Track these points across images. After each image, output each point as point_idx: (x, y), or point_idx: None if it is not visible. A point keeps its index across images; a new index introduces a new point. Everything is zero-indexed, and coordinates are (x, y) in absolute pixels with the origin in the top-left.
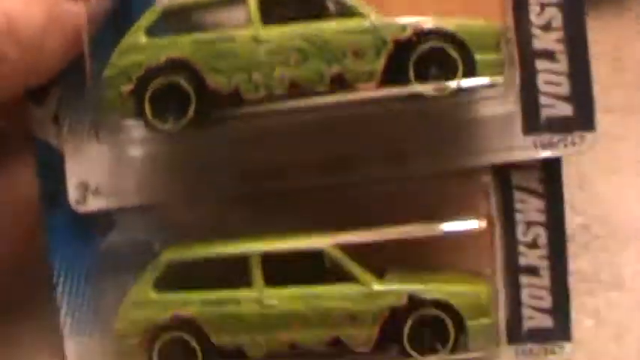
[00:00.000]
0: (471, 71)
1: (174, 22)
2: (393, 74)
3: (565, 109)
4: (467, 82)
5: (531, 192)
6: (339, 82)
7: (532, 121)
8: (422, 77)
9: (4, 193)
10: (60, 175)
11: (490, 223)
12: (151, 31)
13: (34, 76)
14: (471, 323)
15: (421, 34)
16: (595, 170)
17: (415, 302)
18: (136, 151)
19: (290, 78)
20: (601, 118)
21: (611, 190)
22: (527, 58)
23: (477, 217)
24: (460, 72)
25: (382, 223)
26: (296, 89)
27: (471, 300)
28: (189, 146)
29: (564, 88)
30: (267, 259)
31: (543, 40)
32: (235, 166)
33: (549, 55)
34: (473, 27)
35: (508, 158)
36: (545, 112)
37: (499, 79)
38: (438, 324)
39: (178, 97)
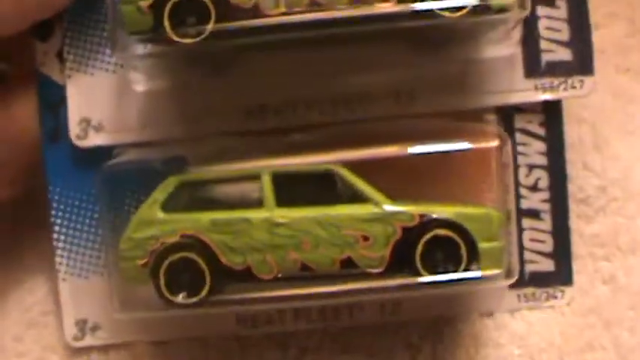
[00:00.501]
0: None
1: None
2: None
3: (565, 54)
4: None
5: (533, 135)
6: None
7: (533, 65)
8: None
9: (6, 127)
10: (62, 110)
11: (502, 141)
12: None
13: (44, 9)
14: (482, 245)
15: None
16: (611, 131)
17: (427, 223)
18: (139, 87)
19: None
20: (616, 79)
21: (628, 151)
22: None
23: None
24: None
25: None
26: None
27: (482, 222)
28: (194, 83)
29: (564, 34)
30: (278, 178)
31: None
32: (239, 102)
33: (550, 1)
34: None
35: (510, 100)
36: (545, 57)
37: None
38: (450, 245)
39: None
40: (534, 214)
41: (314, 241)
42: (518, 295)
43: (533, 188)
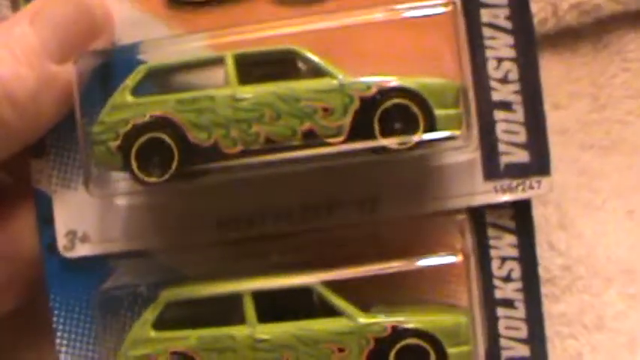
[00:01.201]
0: (431, 126)
1: (158, 81)
2: (360, 129)
3: (522, 156)
4: (427, 136)
5: (504, 229)
6: (311, 137)
7: (492, 167)
8: (386, 131)
9: (10, 244)
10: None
11: (466, 258)
12: (136, 91)
13: (30, 136)
14: (451, 351)
15: (385, 92)
16: (576, 208)
17: (399, 332)
18: (121, 201)
19: (265, 134)
20: (581, 155)
21: (593, 228)
22: (487, 109)
23: (454, 253)
24: (421, 127)
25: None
26: (271, 144)
27: (451, 329)
28: (171, 197)
29: (521, 136)
30: (259, 297)
31: (501, 92)
32: (212, 214)
33: (507, 106)
34: (433, 85)
35: (471, 203)
36: (504, 159)
37: (457, 132)
38: (421, 353)
39: (162, 151)
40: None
41: None
42: None
43: (507, 279)
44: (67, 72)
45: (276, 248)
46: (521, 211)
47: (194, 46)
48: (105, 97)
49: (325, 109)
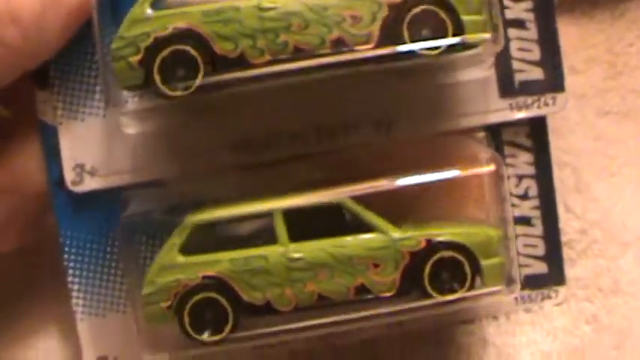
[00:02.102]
0: (459, 32)
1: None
2: (389, 36)
3: (537, 73)
4: (457, 40)
5: (520, 147)
6: (339, 45)
7: (507, 85)
8: (415, 38)
9: (11, 178)
10: None
11: (498, 165)
12: (155, 4)
13: (35, 58)
14: (484, 263)
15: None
16: (592, 174)
17: (433, 246)
18: (130, 130)
19: (293, 43)
20: (597, 121)
21: (609, 193)
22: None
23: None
24: (450, 32)
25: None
26: (299, 53)
27: (483, 241)
28: (182, 121)
29: (535, 54)
30: (290, 216)
31: (514, 10)
32: (224, 139)
33: (520, 24)
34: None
35: (487, 120)
36: (518, 77)
37: (486, 36)
38: (456, 265)
39: (186, 64)
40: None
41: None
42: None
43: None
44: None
45: (292, 170)
46: (537, 129)
47: None
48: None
49: (354, 17)
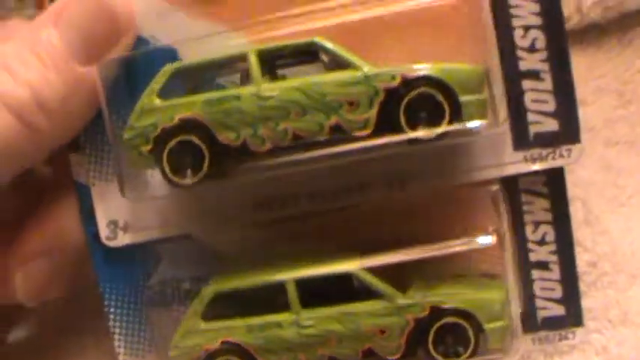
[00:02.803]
0: (457, 113)
1: (184, 81)
2: (386, 120)
3: (552, 125)
4: (453, 127)
5: (537, 194)
6: (338, 131)
7: (521, 137)
8: (413, 121)
9: (55, 238)
10: None
11: (500, 237)
12: (162, 93)
13: (62, 138)
14: (488, 327)
15: (409, 82)
16: (601, 205)
17: (437, 312)
18: (158, 192)
19: (292, 130)
20: (606, 151)
21: (618, 224)
22: (514, 78)
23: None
24: (447, 115)
25: (397, 234)
26: (299, 140)
27: (487, 306)
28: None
29: (550, 105)
30: (302, 284)
31: (529, 61)
32: (248, 197)
33: (535, 75)
34: (457, 71)
35: (501, 173)
36: (533, 129)
37: (484, 120)
38: (460, 330)
39: (193, 153)
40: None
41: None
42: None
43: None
44: (93, 73)
45: (311, 225)
46: (555, 177)
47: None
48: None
49: (351, 103)
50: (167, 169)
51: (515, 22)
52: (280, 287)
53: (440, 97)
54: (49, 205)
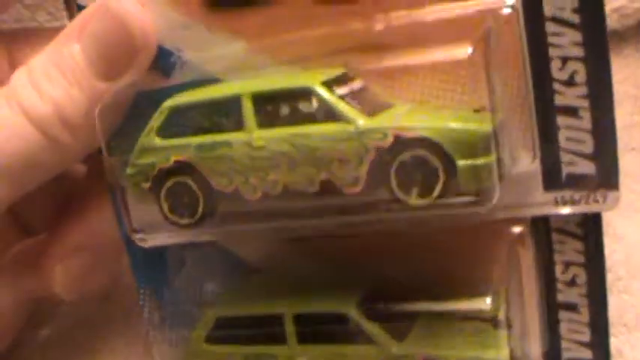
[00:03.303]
0: (452, 178)
1: (181, 120)
2: (377, 178)
3: (587, 167)
4: (445, 200)
5: (570, 235)
6: (328, 186)
7: (553, 177)
8: (405, 183)
9: (90, 236)
10: None
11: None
12: (162, 131)
13: (83, 151)
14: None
15: (401, 142)
16: (616, 210)
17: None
18: None
19: (283, 181)
20: (622, 157)
21: (633, 229)
22: (549, 114)
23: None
24: (441, 180)
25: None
26: (289, 192)
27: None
28: None
29: (587, 146)
30: (300, 319)
31: (566, 96)
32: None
33: (572, 111)
34: (456, 132)
35: (528, 214)
36: (566, 169)
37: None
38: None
39: (189, 195)
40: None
41: None
42: None
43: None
44: (111, 89)
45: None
46: (590, 220)
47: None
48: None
49: (340, 160)
50: (165, 208)
51: (553, 52)
52: (279, 321)
53: (434, 161)
54: (86, 203)
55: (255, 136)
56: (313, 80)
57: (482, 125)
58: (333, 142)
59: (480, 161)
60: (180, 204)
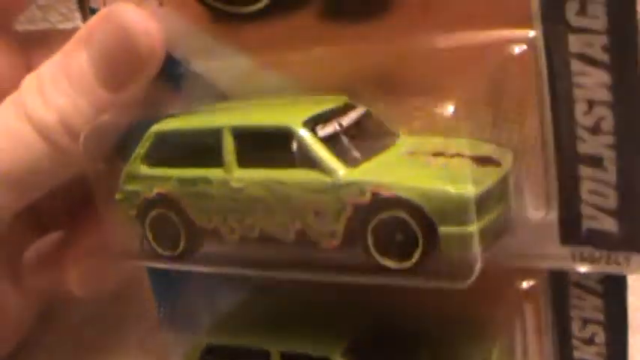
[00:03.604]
0: (432, 244)
1: (166, 147)
2: (354, 236)
3: (609, 224)
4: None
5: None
6: (303, 237)
7: (571, 230)
8: (383, 244)
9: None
10: None
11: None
12: (147, 157)
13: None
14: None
15: (380, 202)
16: None
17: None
18: None
19: (260, 226)
20: None
21: None
22: (570, 162)
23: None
24: (420, 246)
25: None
26: (266, 237)
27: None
28: None
29: (610, 201)
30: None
31: (590, 144)
32: None
33: (596, 162)
34: (440, 194)
35: (541, 266)
36: (586, 224)
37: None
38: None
39: (172, 227)
40: None
41: None
42: None
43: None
44: (119, 99)
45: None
46: (612, 277)
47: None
48: None
49: (316, 212)
50: (150, 238)
51: (578, 94)
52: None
53: (413, 225)
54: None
55: (235, 176)
56: (295, 119)
57: (476, 185)
58: (309, 193)
59: (468, 229)
60: (163, 236)
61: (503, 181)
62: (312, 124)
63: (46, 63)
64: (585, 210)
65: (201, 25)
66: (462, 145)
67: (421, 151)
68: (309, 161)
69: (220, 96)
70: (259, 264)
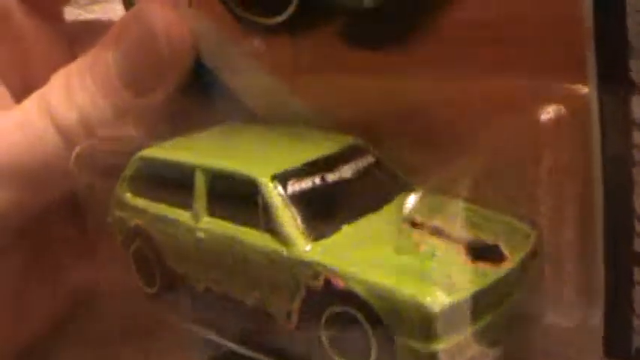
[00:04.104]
0: (390, 353)
1: (146, 175)
2: (310, 321)
3: None
4: None
5: None
6: (261, 306)
7: (618, 344)
8: (336, 339)
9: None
10: None
11: None
12: (131, 183)
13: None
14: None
15: (331, 291)
16: None
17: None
18: None
19: (222, 284)
20: None
21: None
22: (624, 261)
23: None
24: (374, 349)
25: None
26: (227, 295)
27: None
28: None
29: None
30: None
31: None
32: None
33: None
34: (398, 299)
35: None
36: (638, 339)
37: None
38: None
39: (149, 262)
40: None
41: None
42: None
43: None
44: (142, 104)
45: None
46: None
47: None
48: None
49: (271, 285)
50: (133, 267)
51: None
52: None
53: (366, 327)
54: None
55: (201, 225)
56: (265, 169)
57: (450, 294)
58: (267, 262)
59: (430, 347)
60: (142, 269)
61: (505, 280)
62: (285, 177)
63: (78, 59)
64: (638, 323)
65: (229, 33)
66: (475, 218)
67: (419, 221)
68: (270, 224)
69: (246, 113)
70: (221, 326)
